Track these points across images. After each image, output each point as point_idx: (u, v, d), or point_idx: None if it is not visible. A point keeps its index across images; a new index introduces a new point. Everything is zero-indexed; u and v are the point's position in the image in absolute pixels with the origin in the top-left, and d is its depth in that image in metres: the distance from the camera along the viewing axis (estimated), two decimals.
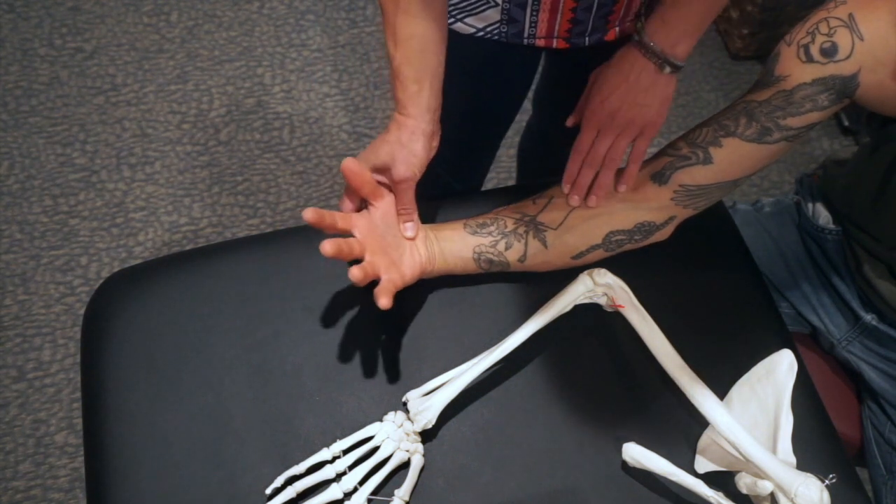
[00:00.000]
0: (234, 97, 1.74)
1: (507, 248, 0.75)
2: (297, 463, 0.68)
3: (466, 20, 0.81)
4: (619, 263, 0.78)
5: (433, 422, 0.69)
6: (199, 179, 1.64)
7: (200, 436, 0.70)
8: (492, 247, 0.75)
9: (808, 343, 1.00)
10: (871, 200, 0.80)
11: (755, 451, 0.64)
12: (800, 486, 0.62)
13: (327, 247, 0.63)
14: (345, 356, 0.75)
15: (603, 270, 0.74)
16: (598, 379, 0.76)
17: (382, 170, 0.70)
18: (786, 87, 0.68)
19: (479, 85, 0.91)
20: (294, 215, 1.61)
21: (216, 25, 1.83)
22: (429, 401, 0.69)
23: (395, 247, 0.71)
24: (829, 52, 0.66)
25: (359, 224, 0.69)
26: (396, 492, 0.67)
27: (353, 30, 1.86)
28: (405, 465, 0.69)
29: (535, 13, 0.79)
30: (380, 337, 0.76)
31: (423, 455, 0.69)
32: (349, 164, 0.67)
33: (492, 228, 0.75)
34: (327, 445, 0.69)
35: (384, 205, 0.71)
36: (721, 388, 0.76)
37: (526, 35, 0.82)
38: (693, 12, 0.71)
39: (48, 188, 1.60)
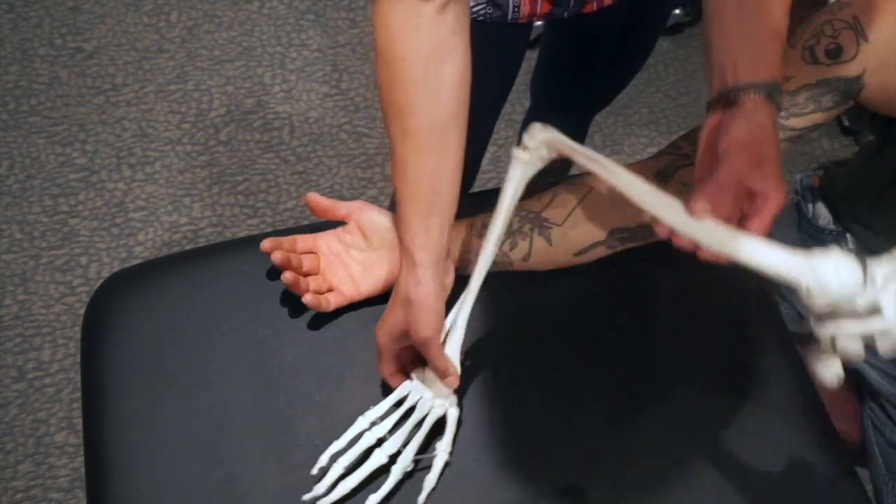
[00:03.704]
0: (234, 97, 1.74)
1: (511, 248, 0.75)
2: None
3: None
4: (619, 263, 0.78)
5: (458, 370, 0.67)
6: (199, 179, 1.64)
7: (200, 436, 0.70)
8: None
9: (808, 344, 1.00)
10: (878, 198, 0.80)
11: (751, 247, 0.55)
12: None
13: (277, 255, 0.70)
14: (345, 356, 0.75)
15: (534, 129, 0.65)
16: (597, 379, 0.76)
17: (404, 336, 0.66)
18: (789, 87, 0.68)
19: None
20: (294, 215, 1.61)
21: (216, 25, 1.83)
22: (449, 342, 0.68)
23: (360, 261, 0.75)
24: (834, 54, 0.66)
25: (318, 244, 0.75)
26: (438, 445, 0.68)
27: (353, 30, 1.86)
28: (442, 420, 0.69)
29: None
30: None
31: (459, 406, 0.70)
32: (311, 199, 0.73)
33: None
34: (362, 414, 0.69)
35: (355, 219, 0.74)
36: (720, 390, 0.76)
37: (510, 17, 0.83)
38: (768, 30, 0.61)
39: (48, 188, 1.60)
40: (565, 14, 0.84)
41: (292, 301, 0.76)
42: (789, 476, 0.73)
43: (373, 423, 0.69)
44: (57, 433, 1.37)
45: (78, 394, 1.38)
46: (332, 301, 0.74)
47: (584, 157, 0.62)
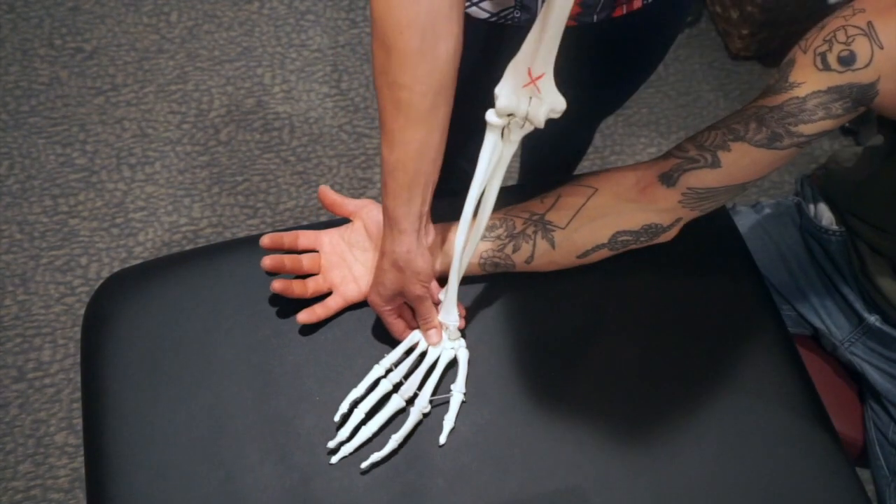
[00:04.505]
0: (234, 97, 1.74)
1: (514, 251, 0.75)
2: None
3: (482, 4, 0.80)
4: (620, 264, 0.78)
5: (458, 318, 0.72)
6: (199, 179, 1.64)
7: (200, 436, 0.70)
8: (499, 250, 0.75)
9: (809, 345, 1.00)
10: (891, 197, 0.80)
11: None
12: None
13: (267, 262, 0.72)
14: (345, 356, 0.75)
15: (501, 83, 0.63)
16: (597, 379, 0.76)
17: (396, 296, 0.70)
18: (799, 93, 0.67)
19: (492, 68, 0.90)
20: (294, 215, 1.61)
21: (216, 25, 1.83)
22: (445, 298, 0.71)
23: (363, 262, 0.75)
24: (847, 61, 0.65)
25: (321, 241, 0.76)
26: (453, 386, 0.72)
27: (353, 30, 1.86)
28: (453, 363, 0.74)
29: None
30: (380, 336, 0.76)
31: (467, 348, 0.74)
32: (322, 191, 0.74)
33: (500, 231, 0.75)
34: (380, 357, 0.73)
35: (361, 218, 0.76)
36: (720, 390, 0.76)
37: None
38: None
39: (48, 188, 1.60)
40: (594, 18, 0.83)
41: (292, 301, 0.76)
42: (790, 476, 0.73)
43: (388, 370, 0.72)
44: (57, 433, 1.37)
45: (78, 394, 1.38)
46: (332, 305, 0.75)
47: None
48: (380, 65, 0.62)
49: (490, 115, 0.64)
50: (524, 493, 0.70)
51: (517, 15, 0.81)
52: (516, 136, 0.64)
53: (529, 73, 0.61)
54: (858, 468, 0.78)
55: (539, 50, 0.59)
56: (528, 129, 0.64)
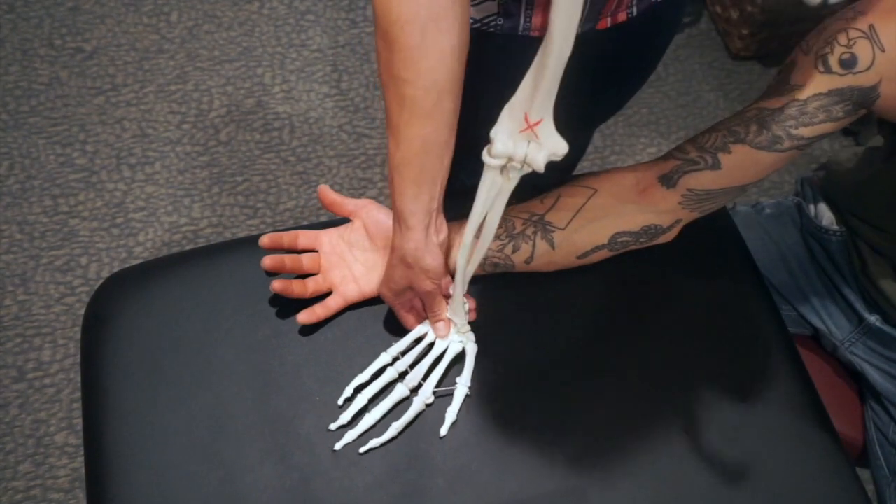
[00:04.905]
0: (234, 97, 1.74)
1: (514, 252, 0.75)
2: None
3: None
4: (620, 265, 0.78)
5: (466, 313, 0.73)
6: (199, 179, 1.64)
7: (200, 436, 0.70)
8: (499, 251, 0.75)
9: (809, 345, 1.00)
10: (890, 199, 0.80)
11: None
12: None
13: (267, 262, 0.73)
14: (345, 356, 0.75)
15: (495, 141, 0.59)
16: (597, 379, 0.76)
17: (407, 291, 0.71)
18: (800, 96, 0.66)
19: (476, 74, 0.90)
20: (294, 215, 1.61)
21: (216, 25, 1.83)
22: (451, 305, 0.72)
23: (363, 261, 0.76)
24: (849, 64, 0.64)
25: (321, 241, 0.76)
26: (458, 379, 0.72)
27: (353, 30, 1.86)
28: (461, 356, 0.74)
29: (529, 8, 0.78)
30: (380, 336, 0.76)
31: (476, 342, 0.74)
32: (322, 190, 0.75)
33: (500, 231, 0.75)
34: (385, 350, 0.73)
35: (361, 218, 0.76)
36: (720, 391, 0.76)
37: (521, 29, 0.81)
38: None
39: (48, 188, 1.60)
40: (578, 30, 0.82)
41: (292, 301, 0.76)
42: (790, 476, 0.73)
43: (395, 359, 0.73)
44: (57, 433, 1.37)
45: (78, 394, 1.38)
46: (332, 305, 0.75)
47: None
48: (383, 60, 0.62)
49: (486, 157, 0.61)
50: (524, 493, 0.70)
51: (500, 22, 0.80)
52: (515, 176, 0.62)
53: (526, 119, 0.58)
54: (858, 468, 0.78)
55: (536, 96, 0.57)
56: (527, 170, 0.61)
